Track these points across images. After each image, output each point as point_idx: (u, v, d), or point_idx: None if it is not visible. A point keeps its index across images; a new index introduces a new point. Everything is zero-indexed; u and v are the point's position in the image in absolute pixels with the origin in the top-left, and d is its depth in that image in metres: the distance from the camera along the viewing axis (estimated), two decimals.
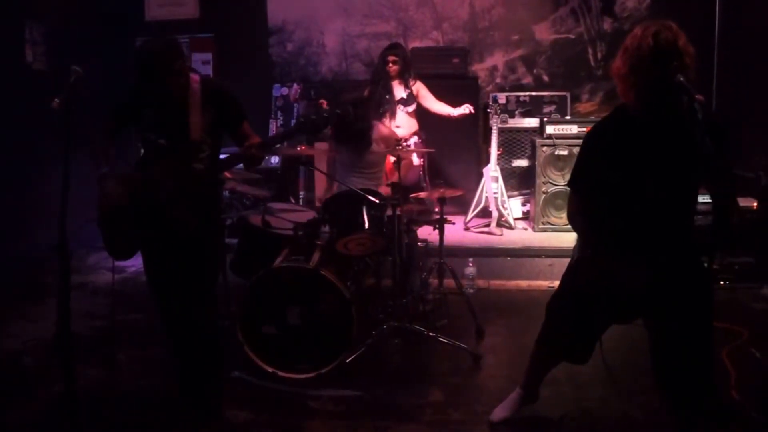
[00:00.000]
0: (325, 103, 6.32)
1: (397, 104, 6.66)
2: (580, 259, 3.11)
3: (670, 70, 2.61)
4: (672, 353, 2.96)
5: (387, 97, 6.63)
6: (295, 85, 8.02)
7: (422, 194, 5.53)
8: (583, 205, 3.00)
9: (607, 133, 2.93)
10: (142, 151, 3.47)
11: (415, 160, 6.65)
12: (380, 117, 6.40)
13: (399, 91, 6.69)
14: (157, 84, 3.18)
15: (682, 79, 2.54)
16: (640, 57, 2.68)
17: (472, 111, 6.63)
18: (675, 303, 2.85)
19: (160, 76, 3.15)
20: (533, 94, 7.67)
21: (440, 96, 6.88)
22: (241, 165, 6.28)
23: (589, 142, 2.99)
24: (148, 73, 3.15)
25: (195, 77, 3.37)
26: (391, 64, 6.62)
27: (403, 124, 6.65)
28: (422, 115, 6.82)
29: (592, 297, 3.04)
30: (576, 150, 6.06)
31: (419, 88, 6.74)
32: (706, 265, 2.93)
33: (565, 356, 3.37)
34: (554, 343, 3.35)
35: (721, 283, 5.65)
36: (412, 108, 6.70)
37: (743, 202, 5.64)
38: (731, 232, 2.85)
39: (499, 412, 3.57)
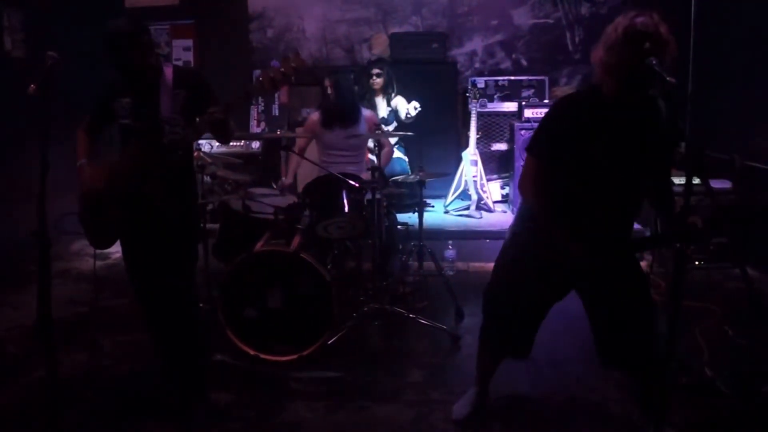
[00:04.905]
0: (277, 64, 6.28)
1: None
2: (519, 233, 3.12)
3: (642, 51, 2.63)
4: (609, 326, 3.03)
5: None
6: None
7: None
8: (537, 174, 2.92)
9: (576, 108, 2.88)
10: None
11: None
12: None
13: (382, 109, 6.69)
14: (125, 61, 3.22)
15: (654, 62, 2.56)
16: (616, 38, 2.69)
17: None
18: (610, 278, 2.90)
19: (127, 53, 3.19)
20: (512, 78, 7.70)
21: (419, 81, 6.99)
22: (223, 149, 6.30)
23: (556, 112, 2.93)
24: (115, 51, 3.18)
25: (168, 66, 3.41)
26: (375, 77, 6.62)
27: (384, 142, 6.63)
28: None
29: (527, 273, 3.04)
30: None
31: (398, 102, 6.68)
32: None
33: (507, 352, 3.37)
34: (494, 339, 3.35)
35: (696, 263, 5.73)
36: (392, 127, 6.68)
37: (719, 184, 5.73)
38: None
39: (461, 409, 3.54)
